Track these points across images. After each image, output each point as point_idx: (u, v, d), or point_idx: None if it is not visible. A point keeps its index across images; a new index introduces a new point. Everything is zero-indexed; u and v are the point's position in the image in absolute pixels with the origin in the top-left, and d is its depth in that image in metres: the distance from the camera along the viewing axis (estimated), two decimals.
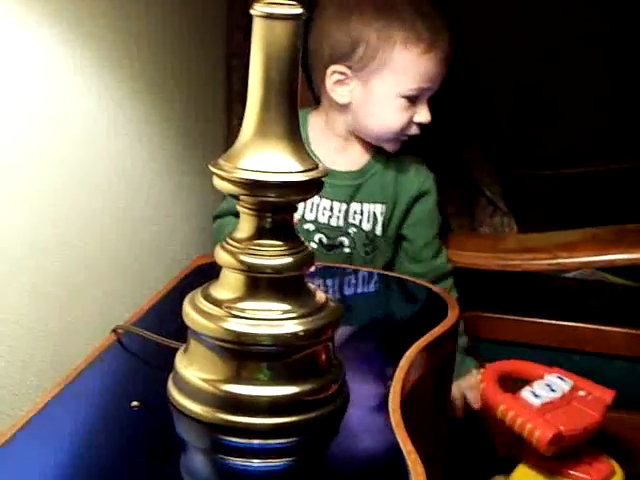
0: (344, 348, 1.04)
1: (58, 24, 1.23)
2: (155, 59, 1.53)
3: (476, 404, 1.54)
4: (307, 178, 0.90)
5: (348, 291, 1.39)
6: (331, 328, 0.95)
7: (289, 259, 0.92)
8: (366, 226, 1.56)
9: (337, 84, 1.51)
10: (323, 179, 0.93)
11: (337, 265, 1.47)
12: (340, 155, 1.58)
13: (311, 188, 0.92)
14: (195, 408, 0.92)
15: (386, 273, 1.46)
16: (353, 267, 1.47)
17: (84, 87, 1.33)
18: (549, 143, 2.61)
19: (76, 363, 1.05)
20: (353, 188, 1.56)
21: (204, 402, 0.92)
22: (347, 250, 1.55)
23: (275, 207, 0.92)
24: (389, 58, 1.47)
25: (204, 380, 0.92)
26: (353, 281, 1.41)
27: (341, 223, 1.55)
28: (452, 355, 1.34)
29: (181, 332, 0.97)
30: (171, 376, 0.97)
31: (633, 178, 2.43)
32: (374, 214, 1.56)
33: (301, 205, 1.50)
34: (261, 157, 0.89)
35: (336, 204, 1.55)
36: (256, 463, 0.89)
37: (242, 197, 0.91)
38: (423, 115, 1.52)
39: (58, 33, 1.24)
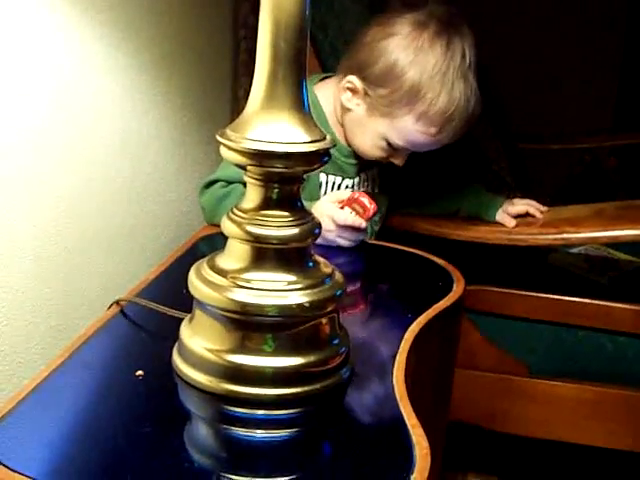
0: (349, 320, 1.04)
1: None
2: (160, 29, 1.52)
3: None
4: (314, 149, 0.90)
5: (354, 263, 1.39)
6: (336, 300, 0.95)
7: (295, 230, 0.92)
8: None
9: (349, 90, 1.50)
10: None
11: None
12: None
13: (318, 159, 0.92)
14: (199, 378, 0.92)
15: (393, 246, 1.46)
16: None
17: (89, 59, 1.33)
18: (555, 118, 2.62)
19: (79, 332, 1.05)
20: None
21: (208, 372, 0.92)
22: None
23: (282, 177, 0.91)
24: (398, 116, 1.46)
25: (209, 350, 0.92)
26: (359, 253, 1.41)
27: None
28: (457, 328, 1.34)
29: (186, 302, 0.97)
30: (176, 346, 0.97)
31: (638, 154, 2.43)
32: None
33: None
34: (269, 127, 0.89)
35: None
36: (260, 434, 0.89)
37: (249, 167, 0.91)
38: (398, 160, 1.54)
39: (62, 2, 1.24)
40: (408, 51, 1.44)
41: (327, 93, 1.55)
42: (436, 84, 1.43)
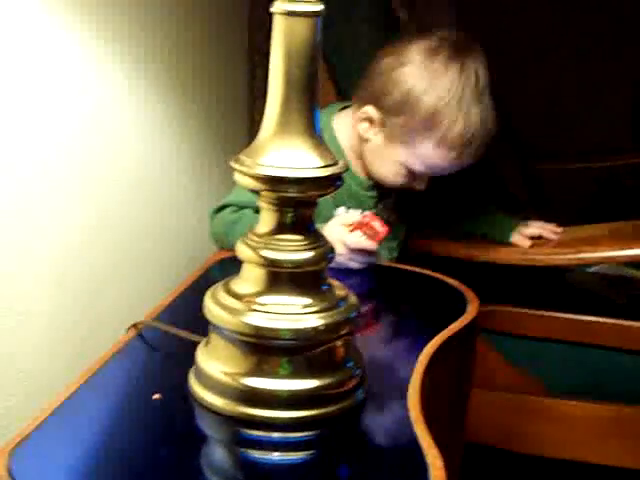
0: (363, 342, 1.04)
1: (86, 22, 1.25)
2: (178, 56, 1.54)
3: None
4: (327, 173, 0.91)
5: (367, 285, 1.39)
6: (351, 322, 0.96)
7: (309, 254, 0.93)
8: None
9: (365, 120, 1.50)
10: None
11: None
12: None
13: (331, 183, 0.93)
14: (216, 401, 0.93)
15: (406, 267, 1.46)
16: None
17: (108, 83, 1.34)
18: (571, 137, 2.61)
19: (99, 355, 1.06)
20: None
21: (225, 395, 0.93)
22: None
23: (296, 202, 0.92)
24: (417, 143, 1.46)
25: (225, 373, 0.93)
26: (372, 275, 1.41)
27: None
28: (472, 349, 1.34)
29: (202, 326, 0.98)
30: (192, 369, 0.98)
31: None
32: None
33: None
34: (282, 152, 0.90)
35: None
36: (276, 456, 0.89)
37: (263, 192, 0.92)
38: (421, 185, 1.54)
39: (84, 31, 1.25)
40: (422, 78, 1.44)
41: (345, 126, 1.55)
42: (452, 109, 1.43)
